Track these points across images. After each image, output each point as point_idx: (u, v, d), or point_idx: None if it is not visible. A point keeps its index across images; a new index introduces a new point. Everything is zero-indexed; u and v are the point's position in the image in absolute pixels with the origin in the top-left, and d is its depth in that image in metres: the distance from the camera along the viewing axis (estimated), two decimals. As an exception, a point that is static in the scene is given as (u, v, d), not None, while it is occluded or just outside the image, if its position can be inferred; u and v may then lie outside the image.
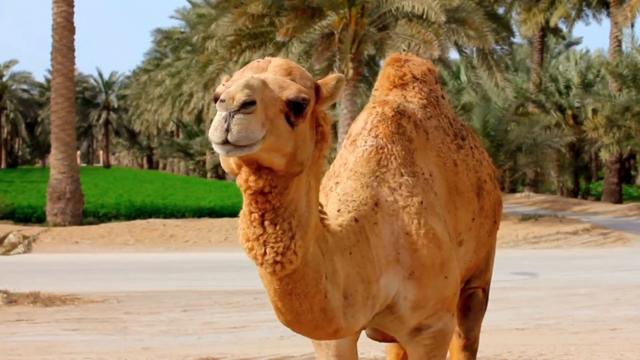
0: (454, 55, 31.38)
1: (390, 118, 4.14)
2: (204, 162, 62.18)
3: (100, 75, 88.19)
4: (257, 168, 3.12)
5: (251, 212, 3.21)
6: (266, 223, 3.20)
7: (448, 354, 4.99)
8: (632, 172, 55.02)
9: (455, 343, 4.78)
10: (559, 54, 53.25)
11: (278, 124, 3.07)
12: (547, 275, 15.68)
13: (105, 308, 11.75)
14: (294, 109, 3.13)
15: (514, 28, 34.93)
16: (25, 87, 77.94)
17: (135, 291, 13.32)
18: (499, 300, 11.59)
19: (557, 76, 39.73)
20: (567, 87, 39.30)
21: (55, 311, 11.35)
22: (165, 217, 26.64)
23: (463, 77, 39.74)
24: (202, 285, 14.23)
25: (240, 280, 14.09)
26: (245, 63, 23.93)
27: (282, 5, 24.04)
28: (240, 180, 3.16)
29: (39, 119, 78.87)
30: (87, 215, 26.47)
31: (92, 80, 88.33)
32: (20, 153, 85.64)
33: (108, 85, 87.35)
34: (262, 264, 3.24)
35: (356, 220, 3.72)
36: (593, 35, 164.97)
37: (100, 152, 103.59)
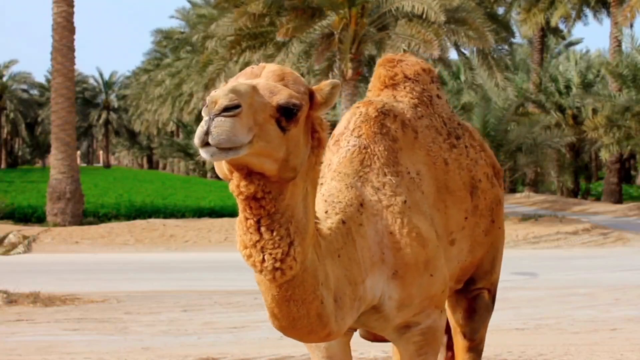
0: (454, 55, 31.37)
1: (374, 118, 4.15)
2: (204, 162, 61.82)
3: (101, 75, 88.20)
4: (248, 173, 3.12)
5: (247, 219, 3.21)
6: (262, 229, 3.20)
7: (450, 354, 4.99)
8: (632, 172, 55.02)
9: (461, 344, 4.77)
10: (559, 54, 53.24)
11: (268, 129, 3.07)
12: (547, 275, 15.68)
13: (105, 308, 11.75)
14: (285, 114, 3.12)
15: (514, 28, 34.93)
16: (25, 87, 77.95)
17: (135, 291, 13.32)
18: (499, 300, 11.49)
19: (557, 76, 39.74)
20: (567, 87, 39.30)
21: (55, 311, 11.35)
22: (165, 217, 26.64)
23: (463, 77, 39.74)
24: (202, 285, 14.23)
25: (240, 280, 14.08)
26: (246, 63, 23.97)
27: (282, 5, 24.04)
28: (232, 186, 3.17)
29: (39, 119, 78.83)
30: (87, 215, 26.47)
31: (92, 80, 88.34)
32: (20, 153, 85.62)
33: (108, 85, 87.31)
34: (261, 271, 3.23)
35: (344, 222, 3.72)
36: (593, 35, 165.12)
37: (100, 152, 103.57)
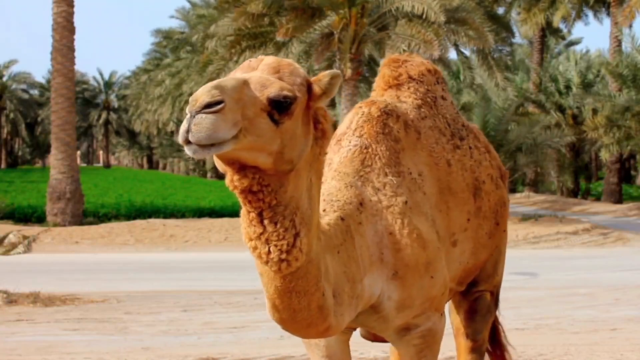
0: (454, 55, 31.39)
1: (376, 118, 4.14)
2: (204, 162, 62.13)
3: (101, 75, 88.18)
4: (241, 167, 3.11)
5: (248, 212, 3.21)
6: (265, 221, 3.19)
7: (449, 354, 4.99)
8: (632, 172, 55.03)
9: (463, 345, 4.77)
10: (559, 54, 53.22)
11: (258, 123, 3.05)
12: (547, 275, 15.68)
13: (105, 308, 11.75)
14: (277, 107, 3.10)
15: (514, 28, 34.93)
16: (25, 87, 77.91)
17: (135, 291, 13.32)
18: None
19: (557, 76, 39.74)
20: (567, 87, 39.30)
21: (55, 311, 11.35)
22: (165, 217, 26.64)
23: (463, 77, 39.73)
24: (202, 285, 14.23)
25: (240, 280, 14.08)
26: (245, 63, 23.93)
27: (282, 5, 24.04)
28: (227, 181, 3.17)
29: (39, 119, 78.80)
30: (87, 215, 26.47)
31: (92, 80, 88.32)
32: (20, 153, 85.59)
33: (108, 85, 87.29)
34: (267, 262, 3.23)
35: (342, 219, 3.71)
36: (593, 35, 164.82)
37: (100, 152, 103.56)
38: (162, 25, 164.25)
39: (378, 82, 4.63)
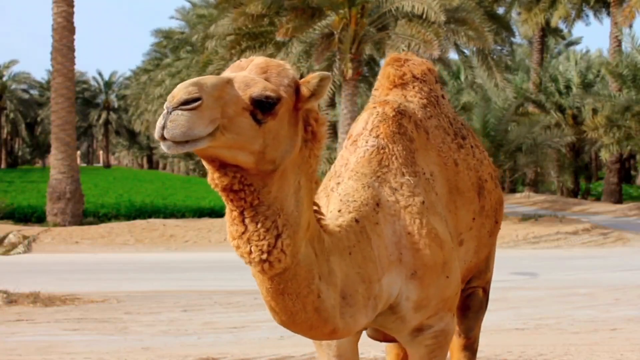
0: (454, 55, 31.40)
1: (391, 118, 4.14)
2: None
3: (100, 75, 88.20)
4: (222, 165, 3.12)
5: (231, 210, 3.23)
6: (247, 220, 3.20)
7: (448, 355, 5.00)
8: (632, 172, 55.03)
9: (456, 342, 4.77)
10: (559, 54, 53.26)
11: (239, 122, 3.05)
12: (547, 275, 15.68)
13: (105, 308, 11.75)
14: (260, 106, 3.10)
15: (514, 28, 34.93)
16: (25, 87, 77.92)
17: (135, 291, 13.32)
18: (499, 300, 11.59)
19: (557, 76, 39.74)
20: (567, 87, 39.31)
21: (55, 311, 11.35)
22: (165, 217, 26.64)
23: (463, 77, 39.75)
24: (202, 285, 14.23)
25: (240, 280, 14.08)
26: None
27: (282, 5, 24.04)
28: (209, 178, 3.19)
29: (39, 119, 78.78)
30: (87, 215, 26.47)
31: (92, 80, 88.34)
32: (20, 153, 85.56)
33: (108, 85, 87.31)
34: (250, 262, 3.24)
35: (357, 220, 3.71)
36: (593, 35, 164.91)
37: (100, 152, 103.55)
38: (162, 25, 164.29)
39: (382, 81, 4.62)
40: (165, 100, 2.97)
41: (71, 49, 25.90)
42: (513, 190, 41.80)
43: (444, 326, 3.94)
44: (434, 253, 3.84)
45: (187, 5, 59.96)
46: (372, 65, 30.43)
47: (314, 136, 3.34)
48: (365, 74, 27.68)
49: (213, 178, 3.16)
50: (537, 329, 10.08)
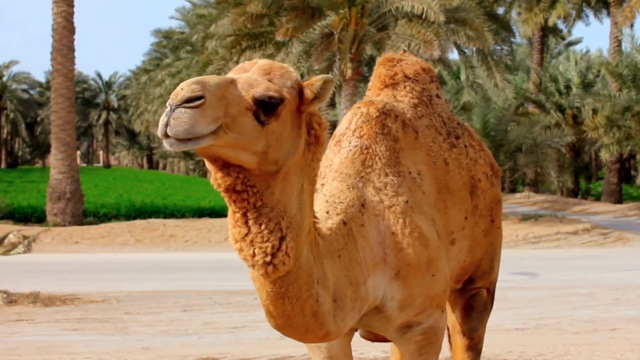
0: (454, 55, 31.40)
1: (375, 119, 4.14)
2: (204, 162, 61.88)
3: (100, 75, 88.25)
4: (225, 165, 3.12)
5: (234, 212, 3.22)
6: (250, 222, 3.19)
7: (450, 354, 4.99)
8: (632, 172, 55.03)
9: (459, 343, 4.77)
10: (559, 54, 53.25)
11: (242, 122, 3.05)
12: (547, 275, 15.68)
13: (105, 308, 11.75)
14: (263, 107, 3.10)
15: (514, 28, 34.94)
16: (25, 87, 77.91)
17: (135, 291, 13.32)
18: (499, 300, 11.51)
19: (557, 76, 39.74)
20: (567, 87, 39.31)
21: (55, 311, 11.35)
22: (165, 217, 26.64)
23: (463, 77, 39.75)
24: (202, 285, 14.23)
25: (240, 280, 14.05)
26: (245, 63, 23.93)
27: (282, 5, 24.04)
28: (212, 179, 3.19)
29: (39, 119, 78.75)
30: (87, 215, 26.47)
31: (92, 81, 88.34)
32: (20, 153, 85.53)
33: (108, 85, 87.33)
34: (253, 265, 3.22)
35: (344, 223, 3.71)
36: (593, 35, 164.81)
37: (100, 152, 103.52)
38: (162, 25, 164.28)
39: (374, 81, 4.64)
40: (166, 100, 2.98)
41: (71, 49, 25.89)
42: (513, 190, 41.80)
43: (433, 323, 3.94)
44: (417, 252, 3.84)
45: (187, 5, 59.97)
46: (372, 65, 30.37)
47: (316, 140, 3.35)
48: (365, 74, 27.64)
49: (216, 178, 3.16)
50: (537, 329, 10.08)
